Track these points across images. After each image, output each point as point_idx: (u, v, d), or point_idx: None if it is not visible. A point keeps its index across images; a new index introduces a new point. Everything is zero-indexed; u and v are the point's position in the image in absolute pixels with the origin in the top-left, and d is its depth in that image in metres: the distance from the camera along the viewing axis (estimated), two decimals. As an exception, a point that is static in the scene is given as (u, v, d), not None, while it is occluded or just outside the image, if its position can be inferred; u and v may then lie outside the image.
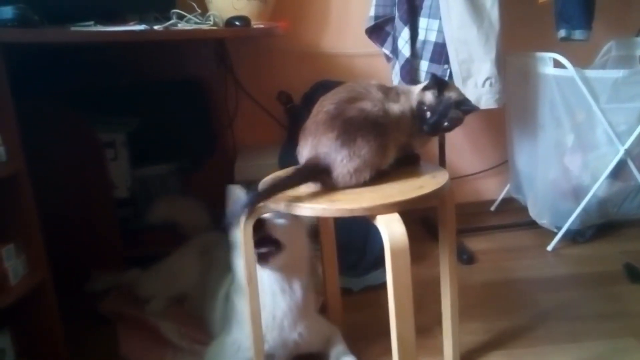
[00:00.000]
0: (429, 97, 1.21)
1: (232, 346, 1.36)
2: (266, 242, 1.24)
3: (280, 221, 1.26)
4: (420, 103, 1.21)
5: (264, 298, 1.29)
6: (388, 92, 1.22)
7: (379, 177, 1.15)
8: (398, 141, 1.19)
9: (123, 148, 1.97)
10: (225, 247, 1.37)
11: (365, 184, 1.14)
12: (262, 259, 1.24)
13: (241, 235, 1.19)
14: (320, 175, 1.13)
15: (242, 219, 1.18)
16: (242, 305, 1.34)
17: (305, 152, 1.16)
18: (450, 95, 1.21)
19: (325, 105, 1.18)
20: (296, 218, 1.28)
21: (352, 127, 1.11)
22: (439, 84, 1.21)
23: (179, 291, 1.71)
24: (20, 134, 1.31)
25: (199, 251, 1.73)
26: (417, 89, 1.25)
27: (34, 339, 1.38)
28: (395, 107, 1.19)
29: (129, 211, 2.03)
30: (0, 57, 1.24)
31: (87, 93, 1.90)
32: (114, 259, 1.87)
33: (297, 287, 1.33)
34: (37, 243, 1.35)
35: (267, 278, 1.29)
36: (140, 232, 2.02)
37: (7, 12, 1.21)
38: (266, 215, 1.23)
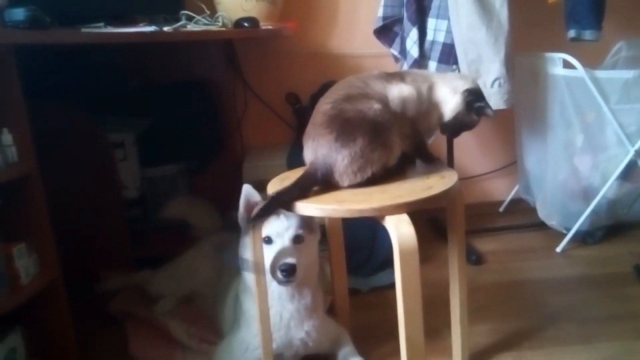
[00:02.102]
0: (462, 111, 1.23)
1: (240, 346, 1.37)
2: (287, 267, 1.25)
3: (299, 245, 1.28)
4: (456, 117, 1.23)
5: (271, 300, 1.30)
6: (391, 78, 1.21)
7: (387, 174, 1.15)
8: (403, 130, 1.18)
9: (132, 148, 1.98)
10: (237, 248, 1.38)
11: (374, 183, 1.14)
12: (284, 282, 1.26)
13: (251, 238, 1.20)
14: (322, 180, 1.12)
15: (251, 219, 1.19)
16: (250, 305, 1.35)
17: (307, 155, 1.17)
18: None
19: (321, 105, 1.17)
20: (310, 232, 1.30)
21: (350, 127, 1.10)
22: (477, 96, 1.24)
23: (191, 289, 1.72)
24: (31, 135, 1.32)
25: (212, 250, 1.74)
26: (439, 80, 1.25)
27: (45, 338, 1.40)
28: (396, 91, 1.18)
29: (138, 211, 2.04)
30: (12, 58, 1.26)
31: (97, 94, 1.91)
32: (123, 259, 1.88)
33: (305, 291, 1.34)
34: (48, 243, 1.36)
35: (275, 284, 1.29)
36: (149, 233, 2.04)
37: (19, 13, 1.23)
38: (287, 247, 1.26)
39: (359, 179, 1.12)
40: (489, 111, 1.23)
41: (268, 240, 1.26)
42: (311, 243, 1.31)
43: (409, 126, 1.19)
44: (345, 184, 1.13)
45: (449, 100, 1.23)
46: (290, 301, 1.32)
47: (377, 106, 1.13)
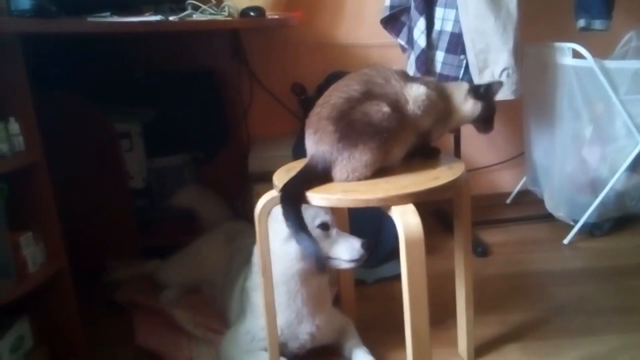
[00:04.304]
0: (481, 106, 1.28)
1: (247, 336, 1.37)
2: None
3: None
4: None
5: (286, 296, 1.31)
6: (413, 80, 1.21)
7: (384, 171, 1.16)
8: (410, 136, 1.19)
9: (139, 139, 1.98)
10: (248, 237, 1.37)
11: (380, 174, 1.14)
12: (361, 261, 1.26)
13: (256, 224, 1.19)
14: (323, 173, 1.13)
15: (257, 210, 1.19)
16: (257, 298, 1.34)
17: (308, 145, 1.17)
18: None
19: (334, 96, 1.16)
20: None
21: (354, 131, 1.11)
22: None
23: (201, 278, 1.72)
24: (38, 125, 1.32)
25: (224, 239, 1.75)
26: (449, 88, 1.28)
27: (52, 326, 1.41)
28: (418, 93, 1.18)
29: (144, 202, 2.05)
30: (19, 48, 1.26)
31: (103, 84, 1.91)
32: (130, 249, 1.90)
33: (322, 286, 1.33)
34: (55, 232, 1.37)
35: (291, 279, 1.29)
36: (156, 223, 2.04)
37: (25, 2, 1.22)
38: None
39: (351, 178, 1.13)
40: (496, 86, 1.28)
41: (325, 227, 1.25)
42: None
43: (421, 130, 1.21)
44: (336, 180, 1.13)
45: (464, 104, 1.27)
46: (304, 295, 1.31)
47: (386, 109, 1.12)
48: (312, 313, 1.34)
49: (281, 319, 1.31)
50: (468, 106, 1.27)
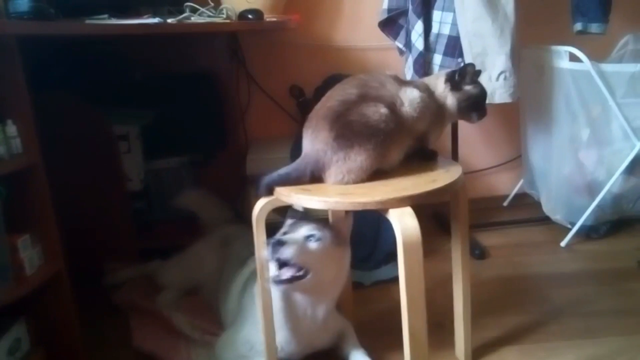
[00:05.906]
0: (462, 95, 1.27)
1: (246, 345, 1.36)
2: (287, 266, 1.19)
3: (311, 245, 1.22)
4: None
5: (284, 312, 1.29)
6: (406, 84, 1.22)
7: (381, 174, 1.16)
8: (407, 139, 1.19)
9: (136, 141, 1.98)
10: (244, 241, 1.37)
11: (377, 177, 1.14)
12: (280, 282, 1.20)
13: (254, 227, 1.19)
14: (310, 176, 1.13)
15: (255, 213, 1.19)
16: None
17: (304, 144, 1.17)
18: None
19: (331, 99, 1.17)
20: (334, 241, 1.25)
21: (351, 131, 1.11)
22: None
23: (198, 281, 1.72)
24: (35, 126, 1.32)
25: (219, 242, 1.74)
26: (430, 83, 1.26)
27: (49, 328, 1.40)
28: (412, 96, 1.18)
29: (142, 204, 2.05)
30: (16, 50, 1.26)
31: (101, 86, 1.91)
32: (128, 251, 1.89)
33: (327, 303, 1.30)
34: (53, 234, 1.37)
35: (289, 298, 1.27)
36: (153, 225, 2.04)
37: (23, 4, 1.22)
38: (293, 238, 1.21)
39: (345, 181, 1.12)
40: (469, 68, 1.25)
41: (309, 239, 1.22)
42: (335, 254, 1.26)
43: (418, 132, 1.21)
44: (331, 182, 1.13)
45: (447, 99, 1.26)
46: (303, 316, 1.30)
47: (383, 110, 1.13)
48: (313, 327, 1.32)
49: (280, 337, 1.30)
50: (449, 101, 1.25)
